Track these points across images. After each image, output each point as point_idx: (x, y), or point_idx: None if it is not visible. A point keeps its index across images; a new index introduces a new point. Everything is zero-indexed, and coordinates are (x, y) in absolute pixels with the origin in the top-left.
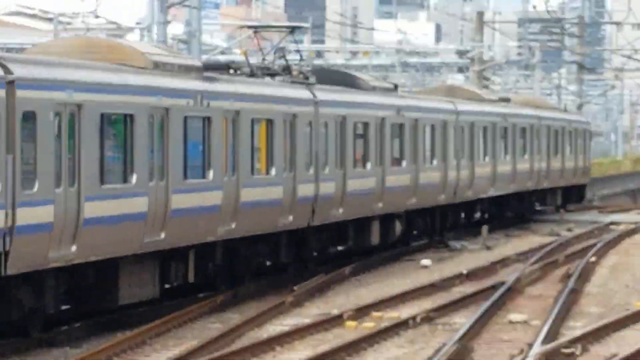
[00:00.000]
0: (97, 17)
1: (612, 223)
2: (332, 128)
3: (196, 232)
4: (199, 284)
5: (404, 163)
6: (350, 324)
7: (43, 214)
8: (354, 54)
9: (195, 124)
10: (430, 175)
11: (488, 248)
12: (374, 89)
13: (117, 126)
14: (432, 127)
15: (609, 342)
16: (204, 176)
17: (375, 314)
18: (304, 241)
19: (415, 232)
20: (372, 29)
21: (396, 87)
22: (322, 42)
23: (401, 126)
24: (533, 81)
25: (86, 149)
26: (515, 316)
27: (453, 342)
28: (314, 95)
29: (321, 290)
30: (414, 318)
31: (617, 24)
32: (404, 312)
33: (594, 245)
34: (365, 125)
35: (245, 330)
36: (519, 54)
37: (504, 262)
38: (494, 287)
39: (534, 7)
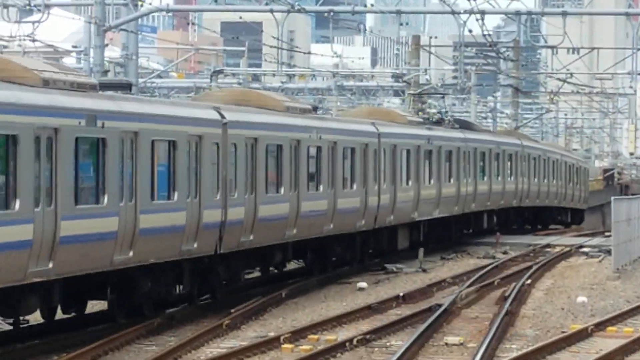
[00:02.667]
0: (34, 40)
1: (547, 246)
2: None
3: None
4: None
5: (321, 187)
6: (287, 346)
7: None
8: (291, 77)
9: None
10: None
11: (424, 271)
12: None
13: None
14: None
15: None
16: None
17: (312, 336)
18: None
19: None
20: (309, 52)
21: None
22: (259, 65)
23: (319, 149)
24: (469, 104)
25: None
26: (451, 338)
27: None
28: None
29: (258, 312)
30: (350, 340)
31: (553, 47)
32: (341, 334)
33: (530, 267)
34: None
35: (182, 353)
36: (455, 77)
37: (440, 285)
38: (430, 310)
39: (470, 31)
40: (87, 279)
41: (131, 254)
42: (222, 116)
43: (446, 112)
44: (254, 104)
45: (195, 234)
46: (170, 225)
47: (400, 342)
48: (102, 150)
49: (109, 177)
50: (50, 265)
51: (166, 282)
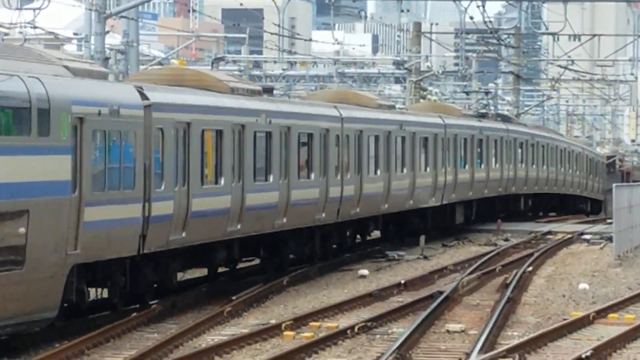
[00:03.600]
0: (35, 27)
1: (549, 233)
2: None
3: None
4: None
5: (271, 177)
6: (289, 333)
7: None
8: (292, 64)
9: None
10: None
11: (425, 258)
12: (232, 91)
13: None
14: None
15: (546, 352)
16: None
17: (313, 323)
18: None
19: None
20: (310, 39)
21: (269, 90)
22: (260, 52)
23: (268, 134)
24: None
25: None
26: (452, 326)
27: (391, 351)
28: (145, 97)
29: (259, 300)
30: (352, 328)
31: (554, 34)
32: (342, 321)
33: (531, 255)
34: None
35: (183, 341)
36: (456, 64)
37: (441, 272)
38: (431, 297)
39: (471, 17)
40: None
41: None
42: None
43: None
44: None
45: None
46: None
47: (401, 329)
48: None
49: None
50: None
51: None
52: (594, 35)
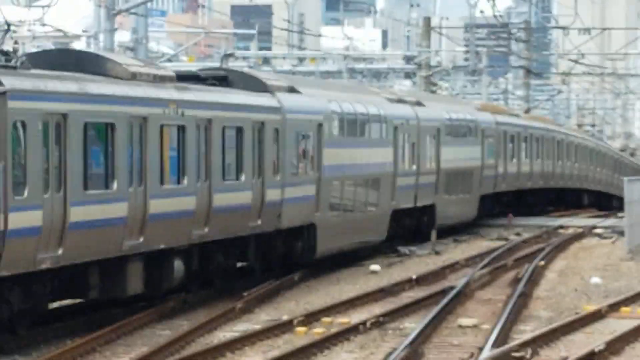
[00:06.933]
0: (43, 24)
1: (560, 227)
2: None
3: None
4: None
5: (185, 180)
6: (300, 329)
7: None
8: (301, 60)
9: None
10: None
11: (437, 253)
12: (134, 76)
13: None
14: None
15: (559, 346)
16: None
17: (325, 319)
18: None
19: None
20: (319, 35)
21: (195, 77)
22: (269, 48)
23: (181, 128)
24: (480, 86)
25: None
26: (465, 320)
27: (403, 346)
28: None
29: (270, 296)
30: (364, 323)
31: (564, 28)
32: (354, 317)
33: (543, 249)
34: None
35: (195, 337)
36: (466, 59)
37: (453, 267)
38: (443, 292)
39: (481, 12)
40: None
41: None
42: None
43: None
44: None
45: None
46: None
47: (413, 324)
48: None
49: None
50: None
51: None
52: (605, 29)
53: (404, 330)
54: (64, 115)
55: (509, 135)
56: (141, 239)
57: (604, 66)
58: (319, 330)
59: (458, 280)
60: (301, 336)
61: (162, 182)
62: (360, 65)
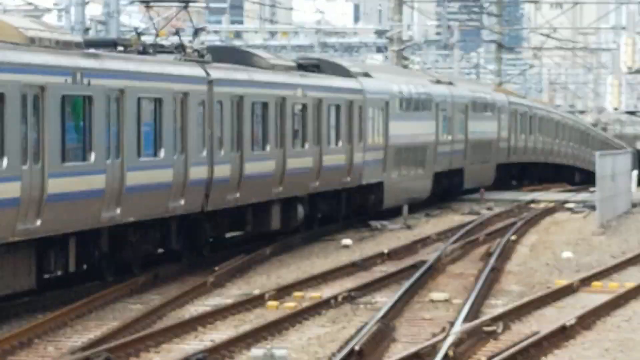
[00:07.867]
0: None
1: (532, 201)
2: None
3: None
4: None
5: (306, 145)
6: (272, 304)
7: None
8: (273, 34)
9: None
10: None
11: (409, 227)
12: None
13: None
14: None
15: (530, 320)
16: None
17: (296, 293)
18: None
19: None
20: (291, 9)
21: (302, 66)
22: (241, 22)
23: (88, 99)
24: (452, 61)
25: None
26: (436, 295)
27: (375, 321)
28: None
29: (242, 270)
30: (335, 297)
31: (536, 2)
32: (326, 291)
33: (514, 223)
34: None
35: (166, 311)
36: (438, 33)
37: (424, 241)
38: (415, 266)
39: None
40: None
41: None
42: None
43: None
44: None
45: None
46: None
47: (385, 298)
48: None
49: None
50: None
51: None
52: (576, 3)
53: (376, 304)
54: (241, 97)
55: (519, 114)
56: (281, 188)
57: (576, 40)
58: (290, 305)
59: (430, 255)
60: (273, 310)
61: (63, 160)
62: (332, 39)
